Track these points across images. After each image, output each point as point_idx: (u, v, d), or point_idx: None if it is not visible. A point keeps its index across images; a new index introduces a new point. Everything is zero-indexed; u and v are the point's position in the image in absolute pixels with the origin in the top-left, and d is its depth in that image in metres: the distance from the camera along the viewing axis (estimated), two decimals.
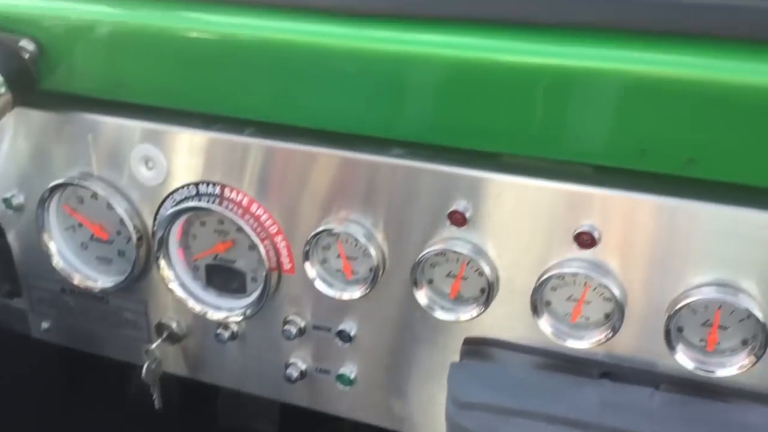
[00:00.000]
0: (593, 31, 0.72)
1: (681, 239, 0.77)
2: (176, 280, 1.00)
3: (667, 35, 0.70)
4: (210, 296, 1.02)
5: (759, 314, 0.74)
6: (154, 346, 1.05)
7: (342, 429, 1.49)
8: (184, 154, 0.93)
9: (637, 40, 0.71)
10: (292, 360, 1.01)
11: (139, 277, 1.03)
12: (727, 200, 0.74)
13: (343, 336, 0.96)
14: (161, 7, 0.87)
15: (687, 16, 0.69)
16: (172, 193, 0.96)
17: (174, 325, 1.05)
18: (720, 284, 0.76)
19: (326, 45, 0.81)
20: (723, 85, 0.69)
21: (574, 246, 0.80)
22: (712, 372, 0.78)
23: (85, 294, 1.09)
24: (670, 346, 0.79)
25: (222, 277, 1.00)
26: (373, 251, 0.88)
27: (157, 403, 1.08)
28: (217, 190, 0.93)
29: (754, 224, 0.74)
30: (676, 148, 0.73)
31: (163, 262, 0.99)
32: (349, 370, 0.99)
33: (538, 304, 0.84)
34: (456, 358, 0.90)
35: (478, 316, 0.87)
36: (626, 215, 0.78)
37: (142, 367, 1.07)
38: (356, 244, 0.91)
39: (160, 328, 1.06)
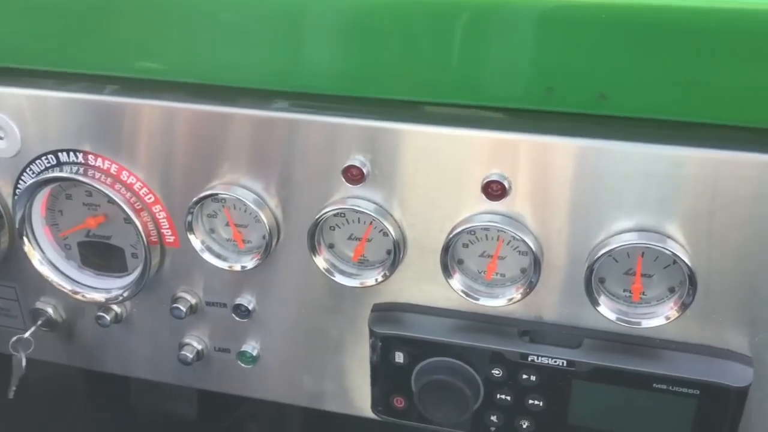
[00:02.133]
0: None
1: (597, 183, 0.70)
2: (44, 260, 0.89)
3: None
4: (86, 277, 0.90)
5: (685, 258, 0.68)
6: (26, 335, 0.93)
7: (265, 404, 1.41)
8: (39, 120, 0.81)
9: None
10: (186, 340, 0.91)
11: (6, 260, 0.91)
12: (643, 138, 0.67)
13: (241, 311, 0.87)
14: None
15: None
16: (29, 164, 0.83)
17: (50, 310, 0.94)
18: (641, 229, 0.70)
19: None
20: (630, 7, 0.61)
21: (483, 198, 0.72)
22: (638, 323, 0.72)
23: None
24: (592, 298, 0.72)
25: (98, 255, 0.89)
26: (264, 217, 0.79)
27: (11, 393, 0.96)
28: (81, 157, 0.81)
29: (673, 162, 0.67)
30: (585, 83, 0.65)
31: (26, 242, 0.87)
32: (251, 347, 0.90)
33: (449, 263, 0.76)
34: (365, 327, 0.82)
35: (384, 280, 0.79)
36: (537, 161, 0.70)
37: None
38: (246, 210, 0.81)
39: (35, 313, 0.94)
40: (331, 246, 0.81)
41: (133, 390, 1.52)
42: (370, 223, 0.78)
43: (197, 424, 1.45)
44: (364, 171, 0.74)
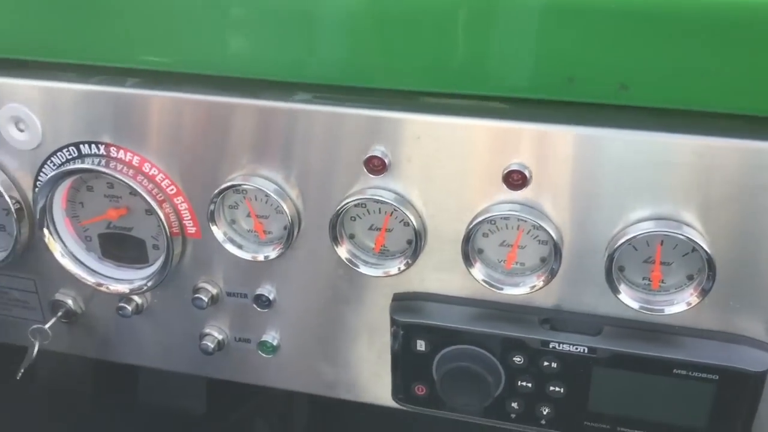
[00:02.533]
0: None
1: (616, 172, 0.70)
2: (66, 252, 0.89)
3: None
4: (107, 268, 0.91)
5: (704, 246, 0.69)
6: (48, 325, 0.94)
7: (274, 399, 1.42)
8: (61, 112, 0.81)
9: None
10: (207, 330, 0.92)
11: (25, 252, 0.92)
12: (663, 127, 0.68)
13: (262, 301, 0.88)
14: None
15: None
16: (50, 156, 0.84)
17: (70, 302, 0.94)
18: (660, 218, 0.71)
19: None
20: (651, 1, 0.62)
21: (504, 187, 0.73)
22: (661, 310, 0.73)
23: None
24: (612, 286, 0.73)
25: (119, 247, 0.90)
26: (286, 207, 0.79)
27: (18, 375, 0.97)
28: (102, 150, 0.82)
29: (691, 151, 0.68)
30: (606, 73, 0.66)
31: (47, 234, 0.88)
32: (271, 336, 0.91)
33: (469, 253, 0.77)
34: (385, 316, 0.83)
35: (406, 269, 0.80)
36: (557, 150, 0.71)
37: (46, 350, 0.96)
38: (267, 201, 0.82)
39: (55, 306, 0.95)
40: (351, 236, 0.82)
41: (142, 385, 1.53)
42: (389, 213, 0.79)
43: (206, 419, 1.46)
44: (386, 161, 0.75)
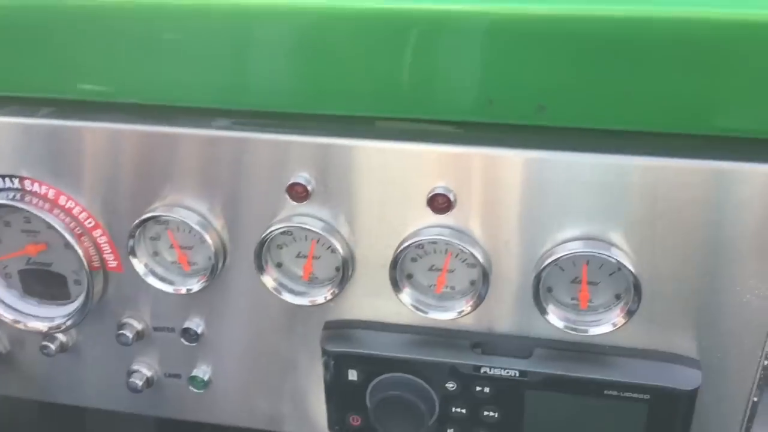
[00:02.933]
0: None
1: (541, 193, 0.70)
2: None
3: None
4: (29, 306, 0.88)
5: (629, 266, 0.69)
6: None
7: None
8: None
9: None
10: (135, 367, 0.89)
11: None
12: (585, 148, 0.68)
13: (190, 335, 0.85)
14: None
15: None
16: None
17: None
18: (586, 238, 0.70)
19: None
20: (564, 18, 0.62)
21: (429, 211, 0.72)
22: (585, 331, 0.73)
23: None
24: (540, 307, 0.73)
25: (41, 283, 0.87)
26: (209, 238, 0.77)
27: None
28: (17, 183, 0.79)
29: (614, 171, 0.68)
30: (524, 94, 0.66)
31: None
32: (202, 371, 0.88)
33: (398, 278, 0.75)
34: (318, 345, 0.81)
35: (334, 297, 0.78)
36: (482, 173, 0.70)
37: None
38: (190, 231, 0.79)
39: None
40: (279, 265, 0.80)
41: (88, 421, 1.48)
42: (315, 240, 0.77)
43: None
44: (309, 188, 0.74)
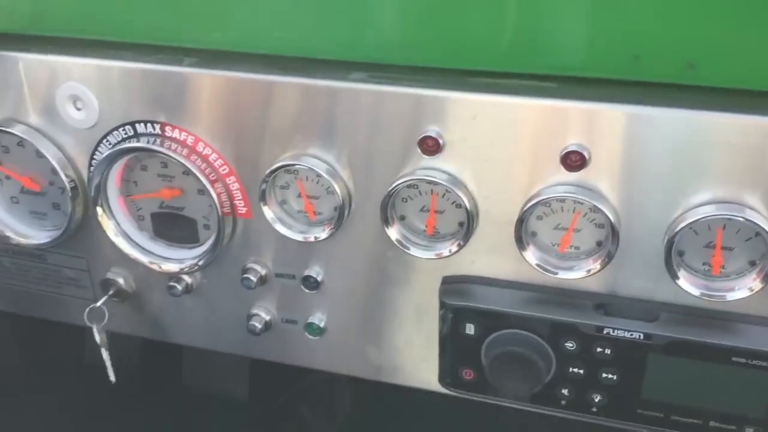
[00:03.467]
0: None
1: (678, 154, 0.69)
2: (119, 231, 0.90)
3: None
4: (159, 247, 0.92)
5: None
6: (99, 304, 0.95)
7: (317, 384, 1.43)
8: (117, 92, 0.82)
9: None
10: (254, 311, 0.92)
11: (78, 230, 0.93)
12: (727, 107, 0.66)
13: (310, 282, 0.88)
14: None
15: None
16: (106, 135, 0.85)
17: (121, 281, 0.96)
18: (723, 201, 0.69)
19: None
20: None
21: (561, 169, 0.72)
22: (722, 297, 0.71)
23: (20, 253, 0.99)
24: (672, 272, 0.72)
25: (171, 226, 0.91)
26: (337, 188, 0.79)
27: (111, 375, 0.98)
28: (158, 129, 0.83)
29: (756, 132, 0.66)
30: (674, 51, 0.64)
31: (101, 213, 0.89)
32: (318, 318, 0.91)
33: (523, 236, 0.76)
34: (434, 299, 0.83)
35: (457, 251, 0.79)
36: (617, 131, 0.70)
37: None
38: (318, 181, 0.81)
39: (106, 284, 0.96)
40: (402, 218, 0.81)
41: (186, 368, 1.54)
42: (438, 193, 0.78)
43: (249, 404, 1.47)
44: (440, 142, 0.75)
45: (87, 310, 0.96)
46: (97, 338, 0.96)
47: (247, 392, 1.46)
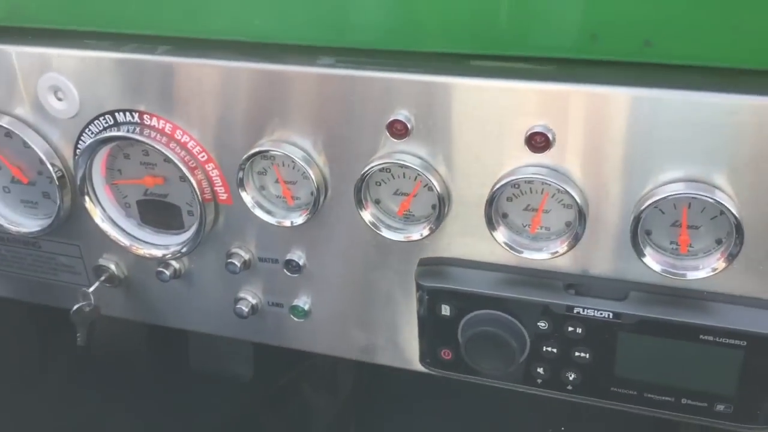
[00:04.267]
0: None
1: (643, 133, 0.69)
2: (106, 218, 0.92)
3: None
4: (146, 234, 0.94)
5: (732, 209, 0.67)
6: (91, 289, 0.98)
7: (320, 365, 1.45)
8: (96, 81, 0.84)
9: None
10: (241, 295, 0.94)
11: (69, 218, 0.95)
12: (688, 85, 0.66)
13: (292, 266, 0.89)
14: None
15: None
16: (88, 124, 0.87)
17: (113, 266, 0.98)
18: (688, 179, 0.69)
19: None
20: None
21: (527, 150, 0.72)
22: (683, 275, 0.72)
23: (15, 240, 1.02)
24: (638, 250, 0.72)
25: (157, 213, 0.93)
26: (312, 173, 0.80)
27: (80, 340, 1.01)
28: (136, 117, 0.84)
29: (720, 110, 0.66)
30: (630, 29, 0.65)
31: (88, 200, 0.91)
32: (302, 301, 0.92)
33: (493, 216, 0.77)
34: (412, 280, 0.84)
35: (430, 233, 0.80)
36: (580, 111, 0.70)
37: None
38: (294, 167, 0.83)
39: (98, 270, 0.99)
40: (377, 201, 0.82)
41: (192, 351, 1.57)
42: (417, 178, 0.79)
43: (254, 384, 1.50)
44: (408, 126, 0.75)
45: (80, 293, 0.98)
46: (80, 317, 0.98)
47: (251, 373, 1.49)
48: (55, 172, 0.90)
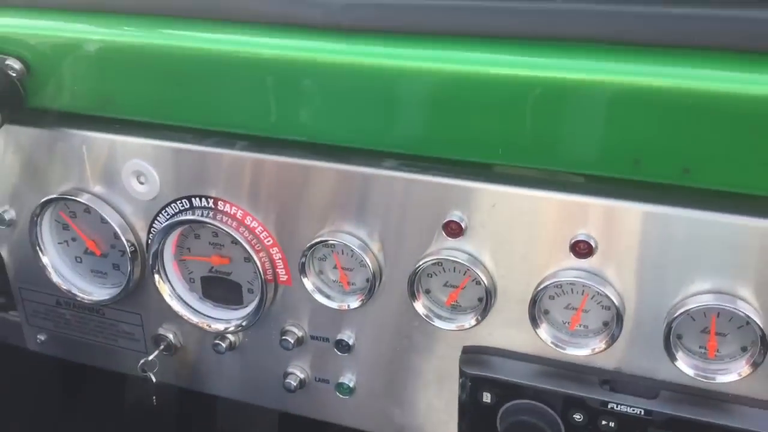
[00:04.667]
0: (584, 43, 0.71)
1: (676, 247, 0.76)
2: (172, 293, 1.00)
3: (657, 46, 0.70)
4: (206, 308, 1.01)
5: (757, 321, 0.74)
6: (151, 357, 1.04)
7: None
8: (177, 169, 0.92)
9: (628, 51, 0.71)
10: (290, 369, 1.01)
11: (135, 289, 1.03)
12: (722, 208, 0.74)
13: (342, 346, 0.96)
14: (146, 25, 0.86)
15: (676, 26, 0.68)
16: (165, 206, 0.95)
17: (171, 336, 1.05)
18: (717, 292, 0.76)
19: (316, 60, 0.80)
20: (714, 95, 0.68)
21: (571, 255, 0.80)
22: (713, 378, 0.78)
23: (81, 307, 1.09)
24: (670, 353, 0.79)
25: (218, 289, 1.00)
26: (369, 262, 0.88)
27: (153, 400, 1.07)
28: (211, 203, 0.93)
29: (749, 232, 0.73)
30: (670, 158, 0.72)
31: (158, 277, 0.98)
32: (348, 379, 0.99)
33: (536, 313, 0.83)
34: (455, 367, 0.90)
35: (476, 324, 0.87)
36: (621, 224, 0.77)
37: (136, 375, 1.07)
38: (352, 255, 0.90)
39: (157, 339, 1.05)
40: (427, 291, 0.89)
41: (219, 414, 1.62)
42: (466, 272, 0.86)
43: None
44: (463, 225, 0.83)
45: (141, 362, 1.05)
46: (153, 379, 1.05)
47: None
48: (129, 247, 0.98)
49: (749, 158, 0.70)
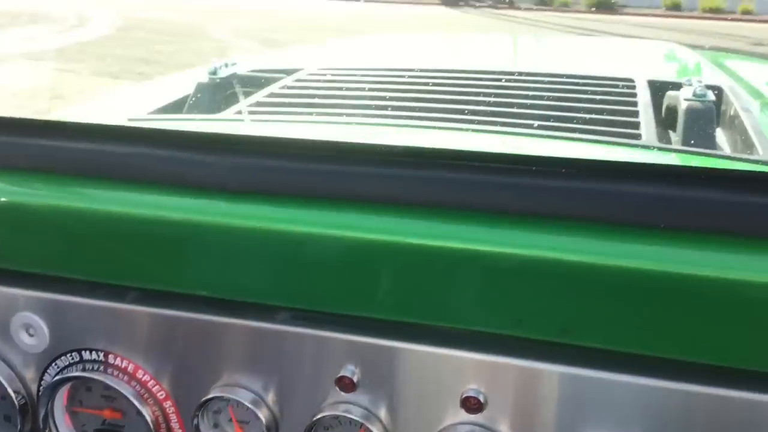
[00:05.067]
0: (460, 212, 0.73)
1: (566, 402, 0.76)
2: None
3: (528, 216, 0.72)
4: None
5: None
6: None
7: None
8: (66, 322, 0.90)
9: (503, 222, 0.73)
10: None
11: None
12: (605, 366, 0.74)
13: None
14: (37, 182, 0.86)
15: (548, 200, 0.70)
16: (54, 359, 0.92)
17: None
18: None
19: (206, 222, 0.80)
20: (585, 266, 0.70)
21: (462, 410, 0.79)
22: None
23: None
24: None
25: None
26: (262, 417, 0.86)
27: None
28: (101, 356, 0.90)
29: (627, 389, 0.74)
30: (549, 318, 0.74)
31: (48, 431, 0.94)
32: None
33: None
34: None
35: None
36: (509, 380, 0.77)
37: None
38: (247, 408, 0.88)
39: None
40: None
41: None
42: (361, 426, 0.84)
43: None
44: (355, 380, 0.82)
45: None
46: None
47: None
48: (19, 400, 0.94)
49: (621, 320, 0.72)
